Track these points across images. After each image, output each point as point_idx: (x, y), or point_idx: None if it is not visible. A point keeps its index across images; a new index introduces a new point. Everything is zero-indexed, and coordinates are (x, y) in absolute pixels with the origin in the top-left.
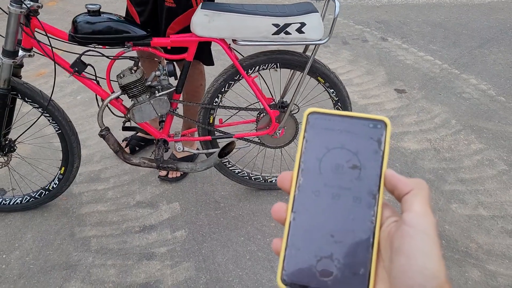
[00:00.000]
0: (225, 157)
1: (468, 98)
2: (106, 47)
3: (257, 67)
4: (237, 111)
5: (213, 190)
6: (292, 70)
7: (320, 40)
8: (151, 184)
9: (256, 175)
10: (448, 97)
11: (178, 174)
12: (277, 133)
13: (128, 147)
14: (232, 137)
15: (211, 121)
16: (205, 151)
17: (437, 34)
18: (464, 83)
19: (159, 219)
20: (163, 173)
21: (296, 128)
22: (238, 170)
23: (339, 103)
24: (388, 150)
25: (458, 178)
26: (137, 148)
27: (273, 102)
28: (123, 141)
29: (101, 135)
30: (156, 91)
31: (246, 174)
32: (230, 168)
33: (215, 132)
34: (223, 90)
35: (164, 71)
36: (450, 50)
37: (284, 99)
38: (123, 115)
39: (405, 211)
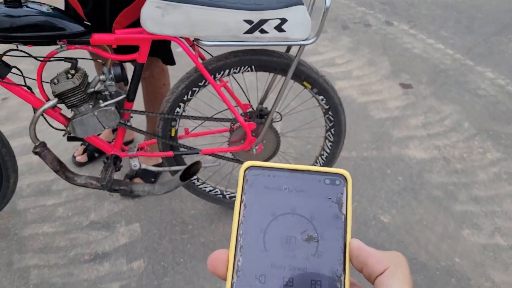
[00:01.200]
0: (190, 179)
1: (483, 96)
2: (33, 46)
3: (227, 70)
4: (203, 121)
5: (182, 208)
6: (272, 74)
7: (305, 40)
8: (110, 199)
9: (231, 193)
10: (460, 94)
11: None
12: (254, 149)
13: (85, 153)
14: (198, 153)
15: (172, 134)
16: (167, 168)
17: (449, 18)
18: (479, 77)
19: (115, 244)
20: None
21: (278, 142)
22: (209, 188)
23: (330, 112)
24: (351, 213)
25: (471, 196)
26: (96, 155)
27: (251, 109)
28: (81, 145)
29: (36, 153)
30: (102, 100)
31: (219, 192)
32: (199, 186)
33: (179, 147)
34: (185, 99)
35: (110, 75)
36: (464, 37)
37: (264, 105)
38: (63, 127)
39: None
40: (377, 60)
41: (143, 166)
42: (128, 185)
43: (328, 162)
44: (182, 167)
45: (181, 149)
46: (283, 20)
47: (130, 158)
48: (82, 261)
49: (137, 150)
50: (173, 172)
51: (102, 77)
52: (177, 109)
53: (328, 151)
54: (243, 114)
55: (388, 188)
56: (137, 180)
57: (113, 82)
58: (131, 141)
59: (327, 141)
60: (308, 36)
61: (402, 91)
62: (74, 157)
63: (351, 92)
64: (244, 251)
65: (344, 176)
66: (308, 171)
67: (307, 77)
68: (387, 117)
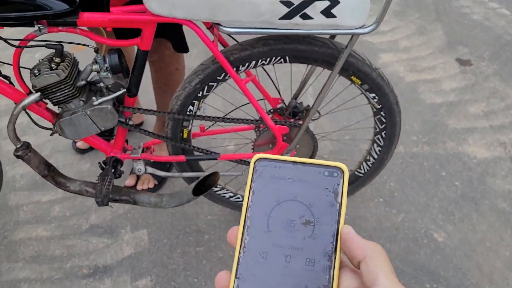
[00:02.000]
0: (205, 193)
1: None
2: (4, 27)
3: (253, 62)
4: (222, 121)
5: (197, 212)
6: (310, 66)
7: (361, 27)
8: None
9: None
10: None
11: (151, 185)
12: None
13: None
14: (216, 158)
15: (184, 136)
16: (177, 174)
17: None
18: None
19: (118, 256)
20: (131, 181)
21: (314, 147)
22: (229, 194)
23: (382, 113)
24: (345, 202)
25: None
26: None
27: (282, 104)
28: None
29: (17, 156)
30: (95, 96)
31: (241, 199)
32: (218, 192)
33: (191, 149)
34: (200, 95)
35: (105, 64)
36: None
37: (299, 100)
38: (51, 125)
39: (369, 286)
40: (429, 28)
41: (149, 170)
42: (131, 194)
43: (375, 169)
44: (196, 174)
45: (196, 153)
46: (334, 2)
47: (134, 161)
48: (80, 276)
49: (142, 151)
50: (187, 179)
51: (95, 66)
52: (190, 107)
53: (376, 156)
54: (272, 110)
55: (442, 195)
56: (146, 174)
57: (109, 74)
58: (140, 124)
59: (375, 145)
60: (365, 23)
61: (459, 69)
62: (74, 142)
63: (398, 68)
64: (250, 231)
65: (341, 169)
66: (309, 163)
67: (356, 70)
68: (441, 102)
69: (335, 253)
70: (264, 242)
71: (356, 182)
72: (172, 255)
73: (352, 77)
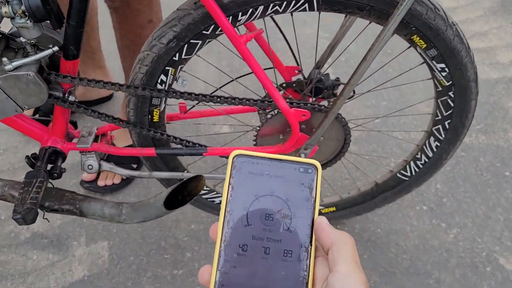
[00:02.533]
0: (184, 205)
1: None
2: None
3: (260, 7)
4: (209, 101)
5: (177, 219)
6: (348, 16)
7: None
8: None
9: None
10: None
11: (117, 180)
12: (303, 155)
13: (37, 114)
14: (201, 154)
15: (155, 119)
16: (146, 173)
17: None
18: None
19: (66, 280)
20: (88, 176)
21: (345, 141)
22: (220, 199)
23: (451, 93)
24: (319, 197)
25: None
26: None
27: (299, 77)
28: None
29: None
30: (8, 57)
31: None
32: (204, 197)
33: (166, 139)
34: (176, 59)
35: (21, 6)
36: None
37: (324, 71)
38: None
39: (330, 271)
40: None
41: (105, 167)
42: (76, 202)
43: (427, 172)
44: (171, 175)
45: (173, 145)
46: None
47: (82, 154)
48: None
49: (95, 139)
50: (162, 181)
51: (4, 9)
52: (162, 77)
53: (431, 154)
54: (285, 85)
55: (508, 204)
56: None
57: (28, 21)
58: (107, 99)
59: (432, 139)
60: None
61: None
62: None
63: None
64: (230, 225)
65: (315, 166)
66: (285, 160)
67: (423, 26)
68: (497, 78)
69: (311, 244)
70: (244, 235)
71: (398, 187)
72: (140, 280)
73: (414, 37)
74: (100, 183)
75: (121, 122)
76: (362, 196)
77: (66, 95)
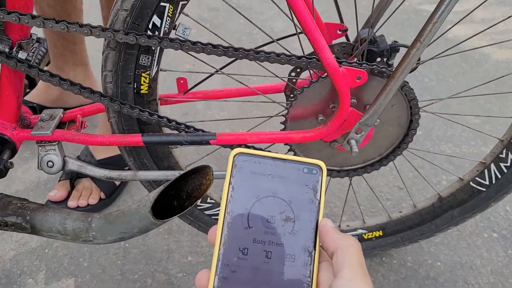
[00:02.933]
0: (182, 213)
1: None
2: None
3: None
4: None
5: (170, 248)
6: None
7: None
8: None
9: None
10: None
11: (94, 199)
12: (352, 142)
13: None
14: (208, 142)
15: (142, 90)
16: (129, 173)
17: None
18: None
19: None
20: (56, 195)
21: (411, 122)
22: None
23: None
24: (324, 199)
25: None
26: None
27: (343, 39)
28: None
29: None
30: None
31: None
32: (208, 213)
33: (157, 123)
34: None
35: None
36: None
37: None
38: None
39: (334, 277)
40: None
41: (73, 165)
42: (26, 213)
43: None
44: (165, 175)
45: (165, 129)
46: None
47: (40, 145)
48: None
49: (59, 125)
50: (150, 186)
51: None
52: (154, 19)
53: None
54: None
55: None
56: (86, 180)
57: None
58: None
59: None
60: None
61: None
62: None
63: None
64: (230, 226)
65: (320, 166)
66: (289, 160)
67: None
68: None
69: (315, 249)
70: (245, 238)
71: (471, 201)
72: None
73: None
74: (71, 203)
75: (92, 94)
76: (419, 216)
77: (14, 49)
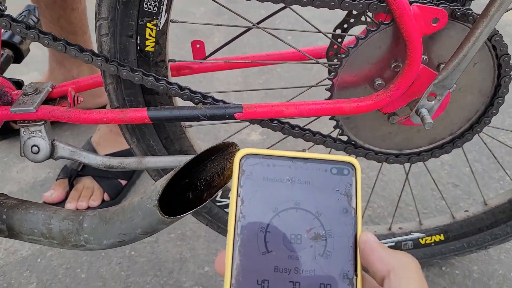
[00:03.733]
0: (199, 207)
1: None
2: None
3: None
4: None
5: (182, 260)
6: None
7: None
8: None
9: None
10: None
11: (96, 201)
12: (424, 112)
13: None
14: (232, 116)
15: (148, 47)
16: (134, 160)
17: None
18: None
19: None
20: (52, 195)
21: (497, 87)
22: None
23: None
24: (361, 207)
25: None
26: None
27: None
28: None
29: None
30: None
31: None
32: (223, 207)
33: (166, 91)
34: None
35: None
36: None
37: None
38: None
39: None
40: None
41: (64, 151)
42: (3, 210)
43: None
44: (177, 160)
45: (179, 102)
46: None
47: (22, 126)
48: None
49: (46, 101)
50: (157, 176)
51: None
52: None
53: None
54: None
55: None
56: (87, 178)
57: None
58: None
59: None
60: None
61: None
62: None
63: None
64: (243, 252)
65: (352, 165)
66: (312, 159)
67: None
68: None
69: (356, 274)
70: (263, 266)
71: None
72: None
73: None
74: (69, 205)
75: (82, 53)
76: (491, 215)
77: None
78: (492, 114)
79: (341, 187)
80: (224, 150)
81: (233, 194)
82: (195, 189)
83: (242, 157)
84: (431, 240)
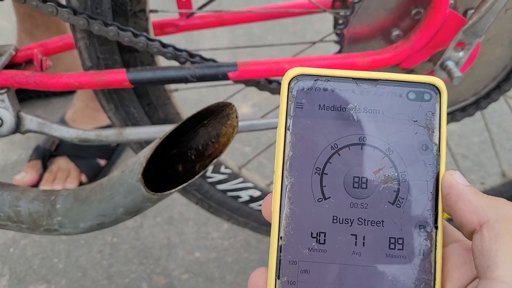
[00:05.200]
0: (191, 180)
1: None
2: None
3: None
4: None
5: (170, 245)
6: None
7: None
8: None
9: None
10: None
11: (73, 183)
12: (451, 64)
13: None
14: (225, 75)
15: None
16: (113, 133)
17: None
18: None
19: None
20: (24, 178)
21: None
22: (251, 189)
23: None
24: (445, 141)
25: None
26: None
27: None
28: None
29: None
30: None
31: None
32: (220, 188)
33: (147, 48)
34: None
35: None
36: None
37: None
38: None
39: (480, 276)
40: None
41: (31, 121)
42: None
43: None
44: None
45: (160, 51)
46: None
47: None
48: None
49: (10, 65)
50: (139, 147)
51: None
52: None
53: None
54: None
55: None
56: (62, 159)
57: None
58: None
59: None
60: None
61: None
62: None
63: None
64: (294, 200)
65: (436, 87)
66: (383, 80)
67: None
68: None
69: (436, 226)
70: (318, 216)
71: None
72: None
73: None
74: (44, 186)
75: (46, 3)
76: (509, 188)
77: None
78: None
79: (420, 116)
80: (219, 113)
81: (280, 128)
82: (185, 160)
83: (292, 79)
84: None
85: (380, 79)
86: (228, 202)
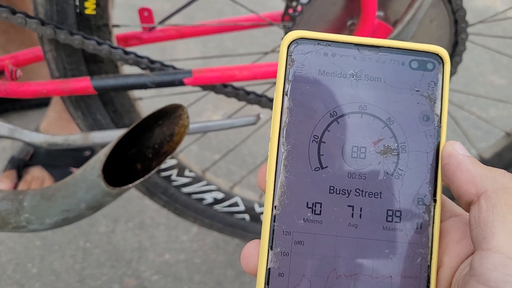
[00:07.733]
0: (147, 176)
1: None
2: None
3: None
4: None
5: (140, 248)
6: None
7: None
8: None
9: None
10: None
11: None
12: None
13: None
14: (181, 81)
15: (87, 9)
16: (79, 137)
17: None
18: None
19: None
20: (7, 182)
21: (452, 50)
22: (215, 192)
23: None
24: (446, 112)
25: None
26: None
27: None
28: None
29: None
30: None
31: (243, 207)
32: (185, 191)
33: (110, 55)
34: None
35: None
36: None
37: None
38: None
39: (476, 247)
40: None
41: (2, 128)
42: None
43: None
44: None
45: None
46: None
47: None
48: None
49: None
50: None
51: None
52: None
53: None
54: None
55: None
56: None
57: None
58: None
59: None
60: None
61: None
62: None
63: None
64: (289, 168)
65: (440, 56)
66: (386, 47)
67: None
68: None
69: (435, 199)
70: (314, 186)
71: None
72: None
73: None
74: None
75: (14, 15)
76: None
77: None
78: (450, 74)
79: (423, 86)
80: (172, 114)
81: (278, 92)
82: (143, 159)
83: (292, 43)
84: None
85: (382, 46)
86: (193, 205)
